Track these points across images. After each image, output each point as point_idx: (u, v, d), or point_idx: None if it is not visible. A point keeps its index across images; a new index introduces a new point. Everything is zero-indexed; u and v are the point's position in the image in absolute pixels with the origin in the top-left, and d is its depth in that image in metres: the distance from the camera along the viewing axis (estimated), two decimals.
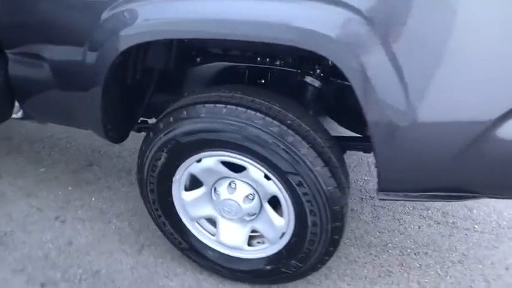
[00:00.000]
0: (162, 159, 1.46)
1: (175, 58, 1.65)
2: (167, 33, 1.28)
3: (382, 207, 2.12)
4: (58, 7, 1.41)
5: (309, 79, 1.53)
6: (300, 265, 1.50)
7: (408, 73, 1.06)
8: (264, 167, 1.35)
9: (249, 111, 1.30)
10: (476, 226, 2.01)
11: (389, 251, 1.87)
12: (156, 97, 1.82)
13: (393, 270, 1.76)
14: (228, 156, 1.39)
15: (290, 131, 1.29)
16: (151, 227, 1.98)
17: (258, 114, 1.29)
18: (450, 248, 1.88)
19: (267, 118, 1.29)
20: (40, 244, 1.85)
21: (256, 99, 1.34)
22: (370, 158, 2.37)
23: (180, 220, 1.62)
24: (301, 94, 1.56)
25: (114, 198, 2.17)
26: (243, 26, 1.17)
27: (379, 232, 1.97)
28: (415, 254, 1.85)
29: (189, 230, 1.63)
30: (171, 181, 1.53)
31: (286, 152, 1.28)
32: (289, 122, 1.30)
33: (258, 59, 1.65)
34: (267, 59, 1.64)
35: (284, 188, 1.36)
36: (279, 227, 1.47)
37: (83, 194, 2.17)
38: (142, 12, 1.27)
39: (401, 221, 2.06)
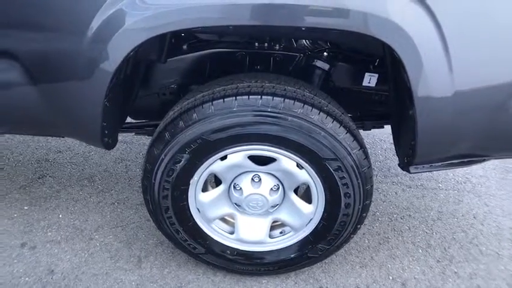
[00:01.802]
0: (183, 161, 1.32)
1: (168, 48, 1.48)
2: (203, 20, 1.12)
3: None
4: None
5: (319, 63, 1.51)
6: (327, 247, 1.52)
7: (452, 47, 1.11)
8: (299, 156, 1.31)
9: (286, 100, 1.24)
10: (440, 185, 2.27)
11: (379, 219, 2.01)
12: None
13: (389, 236, 1.90)
14: (259, 149, 1.31)
15: (329, 117, 1.27)
16: (141, 236, 1.80)
17: (297, 102, 1.24)
18: (426, 207, 2.10)
19: (306, 106, 1.25)
20: (13, 280, 1.54)
21: (288, 87, 1.29)
22: None
23: (196, 224, 1.49)
24: (310, 78, 1.55)
25: (85, 211, 1.90)
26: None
27: None
28: (401, 218, 2.02)
29: (205, 233, 1.52)
30: (188, 184, 1.39)
31: (326, 138, 1.27)
32: (325, 108, 1.28)
33: (256, 44, 1.58)
34: (265, 44, 1.58)
35: (318, 174, 1.35)
36: (306, 214, 1.46)
37: (46, 212, 1.85)
38: None
39: (380, 190, 2.22)
